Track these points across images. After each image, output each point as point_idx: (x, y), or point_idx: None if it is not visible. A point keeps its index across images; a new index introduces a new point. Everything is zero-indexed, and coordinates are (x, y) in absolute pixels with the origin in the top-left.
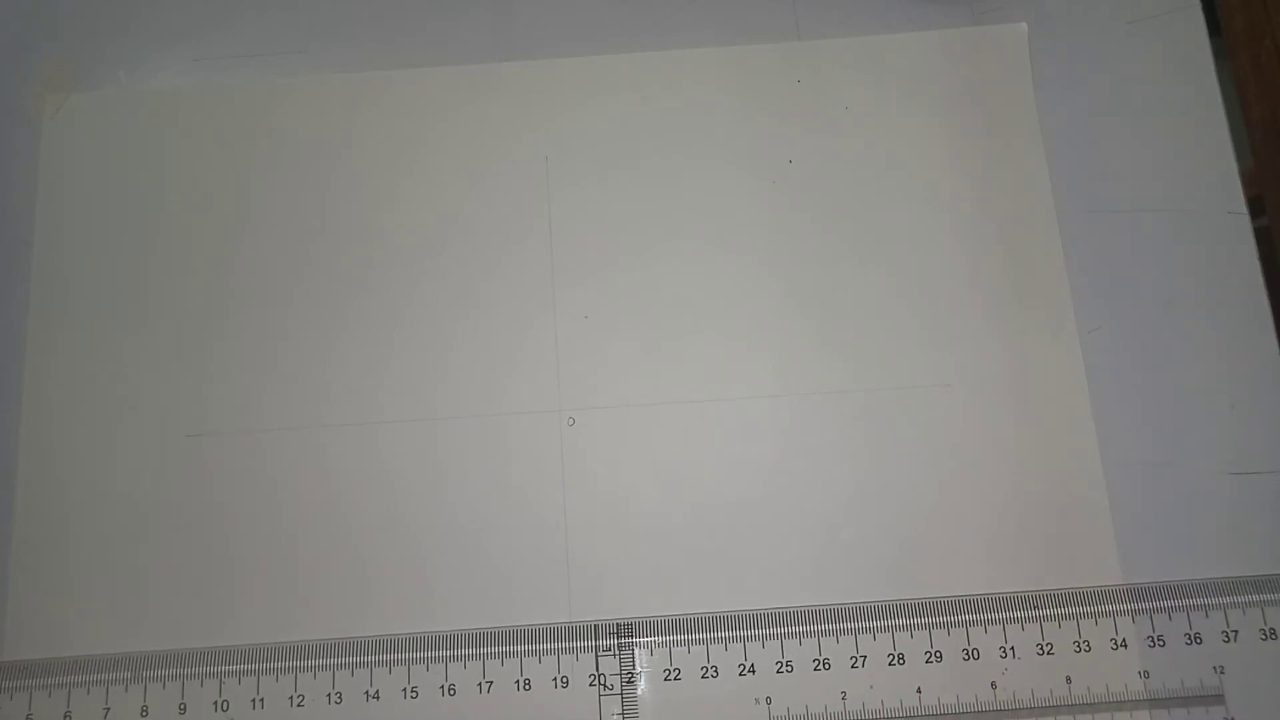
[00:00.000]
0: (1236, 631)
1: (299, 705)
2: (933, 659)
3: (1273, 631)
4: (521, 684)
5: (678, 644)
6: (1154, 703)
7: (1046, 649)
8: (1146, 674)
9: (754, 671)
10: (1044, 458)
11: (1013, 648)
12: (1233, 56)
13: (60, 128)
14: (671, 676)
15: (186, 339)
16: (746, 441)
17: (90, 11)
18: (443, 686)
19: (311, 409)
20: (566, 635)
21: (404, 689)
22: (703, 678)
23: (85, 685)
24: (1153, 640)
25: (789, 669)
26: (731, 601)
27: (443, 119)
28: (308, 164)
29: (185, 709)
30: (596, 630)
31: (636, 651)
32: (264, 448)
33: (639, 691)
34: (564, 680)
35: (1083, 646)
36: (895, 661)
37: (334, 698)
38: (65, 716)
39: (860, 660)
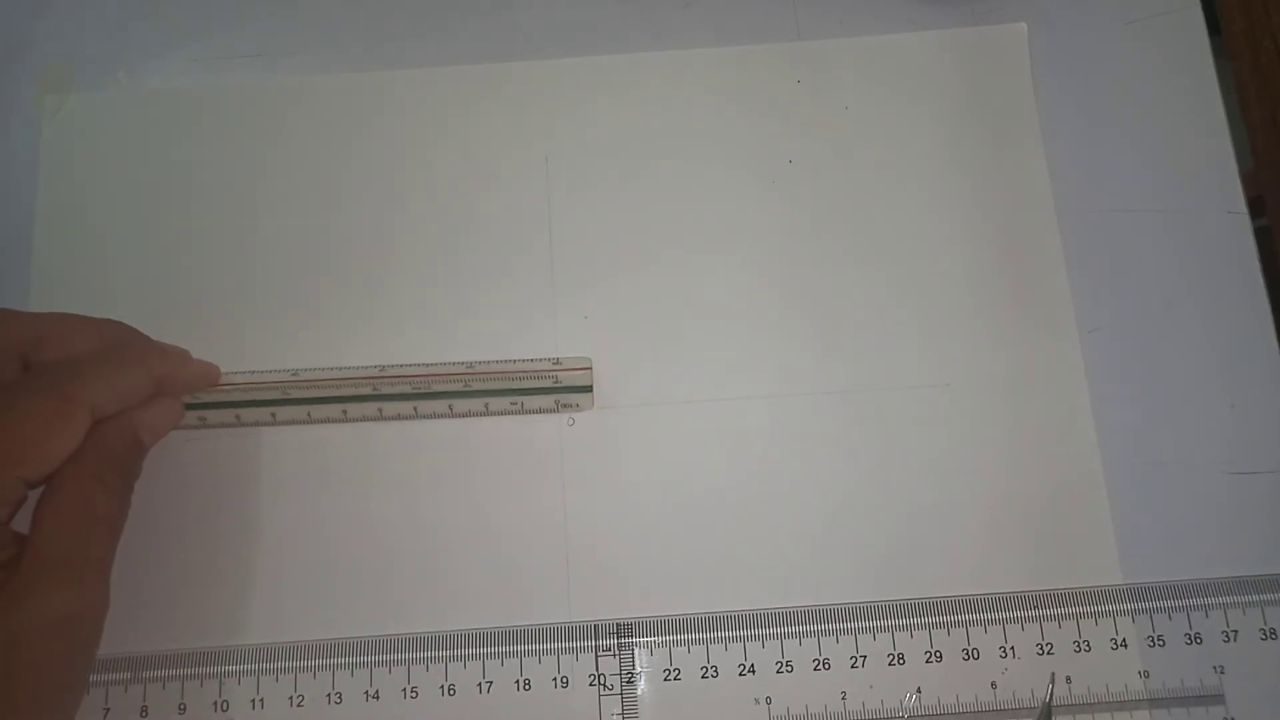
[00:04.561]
0: (1236, 631)
1: (299, 705)
2: (933, 659)
3: (1273, 631)
4: (521, 684)
5: (678, 644)
6: (1154, 703)
7: (1046, 649)
8: (1146, 674)
9: (754, 671)
10: (1044, 458)
11: (1013, 648)
12: (1233, 56)
13: (60, 128)
14: (671, 676)
15: (185, 339)
16: (746, 441)
17: (90, 11)
18: (443, 686)
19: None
20: (566, 635)
21: (404, 689)
22: (703, 678)
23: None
24: (1153, 640)
25: (789, 669)
26: (731, 601)
27: (443, 119)
28: (308, 164)
29: (185, 709)
30: (596, 630)
31: (636, 651)
32: (264, 447)
33: (639, 691)
34: (564, 680)
35: (1083, 646)
36: (895, 661)
37: (334, 698)
38: None
39: (860, 660)
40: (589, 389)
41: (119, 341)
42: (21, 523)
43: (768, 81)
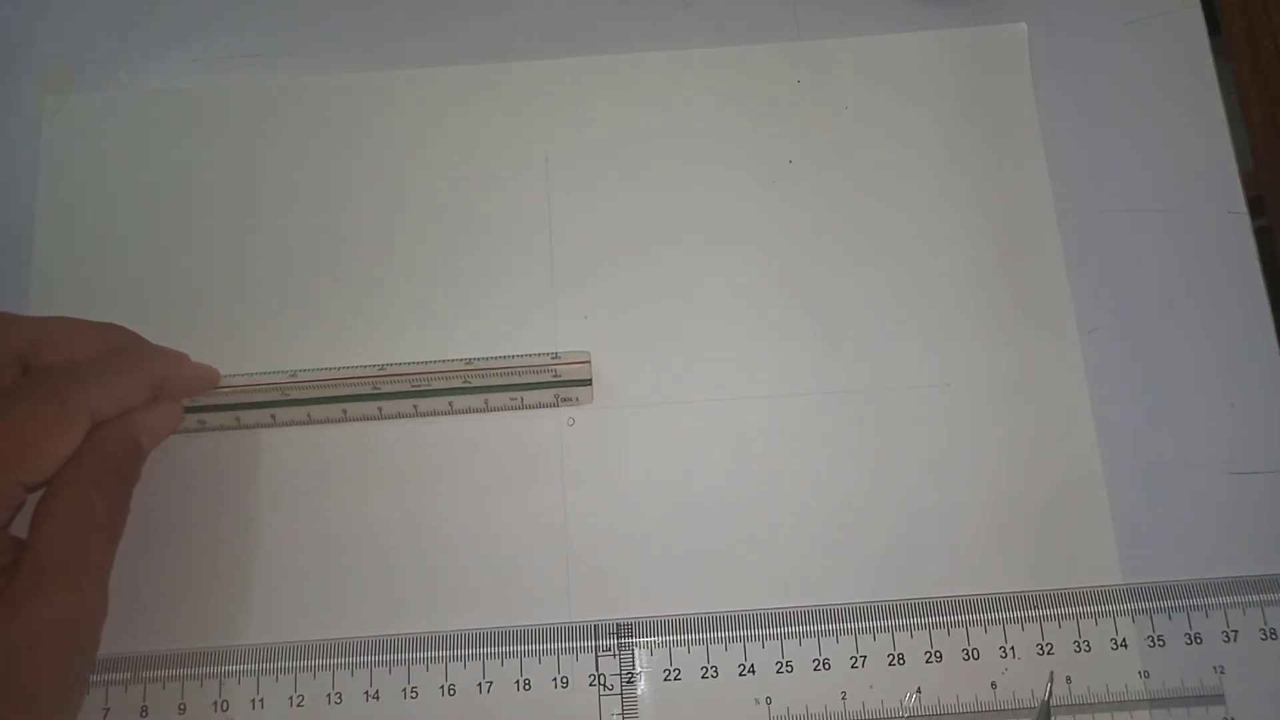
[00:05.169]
0: (1236, 631)
1: (299, 705)
2: (933, 659)
3: (1273, 631)
4: (521, 684)
5: (678, 644)
6: (1154, 703)
7: (1046, 649)
8: (1146, 674)
9: (754, 671)
10: (1044, 458)
11: (1013, 648)
12: (1233, 56)
13: (60, 128)
14: (671, 676)
15: (184, 339)
16: (747, 441)
17: (90, 11)
18: (443, 686)
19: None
20: (566, 635)
21: (404, 689)
22: (703, 678)
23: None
24: (1153, 640)
25: (789, 669)
26: (731, 601)
27: (443, 119)
28: (309, 164)
29: (185, 709)
30: (596, 630)
31: (636, 651)
32: (263, 447)
33: (639, 691)
34: (564, 680)
35: (1083, 646)
36: (895, 661)
37: (334, 698)
38: None
39: (860, 660)
40: (588, 382)
41: (118, 345)
42: (20, 527)
43: (768, 81)
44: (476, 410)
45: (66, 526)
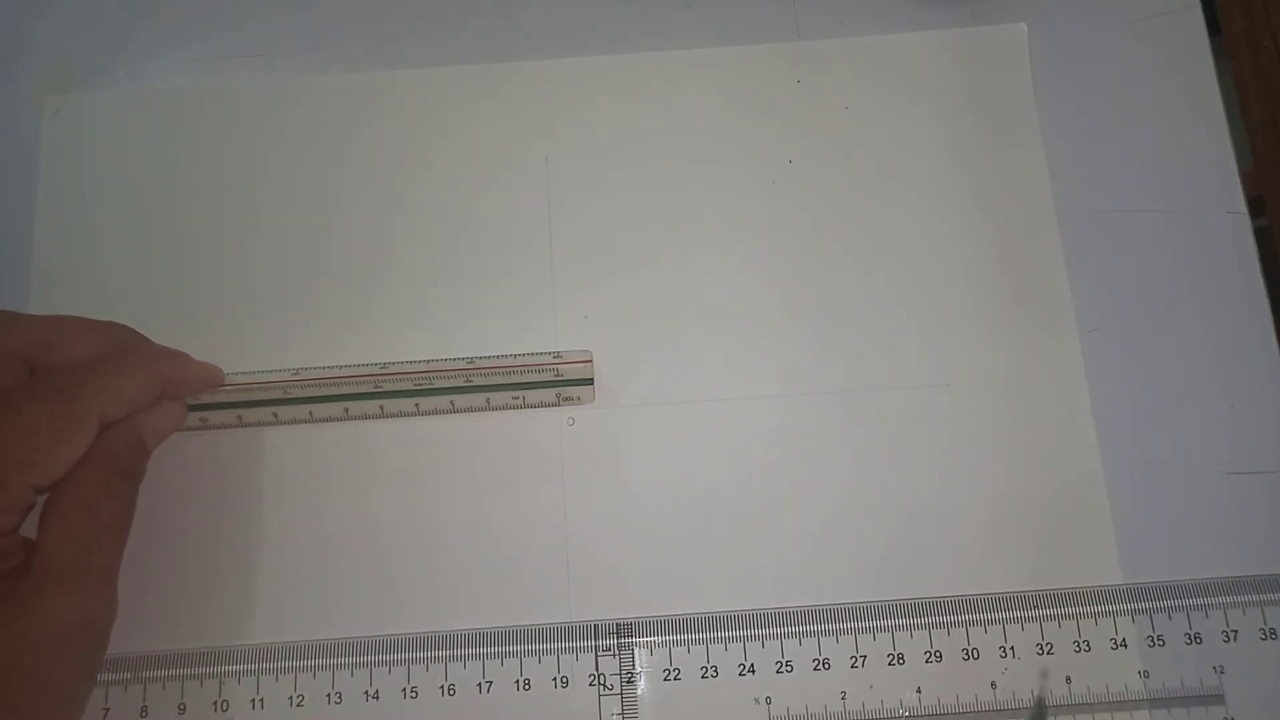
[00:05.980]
0: (1236, 631)
1: (299, 705)
2: (933, 659)
3: (1273, 631)
4: (521, 684)
5: (678, 644)
6: (1154, 703)
7: (1046, 649)
8: (1146, 674)
9: (754, 671)
10: (1044, 458)
11: (1013, 648)
12: (1233, 56)
13: (60, 128)
14: (671, 676)
15: (185, 339)
16: (747, 441)
17: (90, 11)
18: (443, 686)
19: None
20: (566, 635)
21: (404, 689)
22: (703, 678)
23: None
24: (1153, 640)
25: (789, 669)
26: (731, 601)
27: (443, 119)
28: (309, 164)
29: (185, 709)
30: (596, 630)
31: (636, 651)
32: (263, 446)
33: (639, 691)
34: (564, 680)
35: (1083, 646)
36: (895, 661)
37: (334, 698)
38: None
39: (860, 660)
40: (590, 381)
41: (123, 345)
42: (29, 528)
43: (768, 81)
44: (478, 409)
45: (74, 528)
